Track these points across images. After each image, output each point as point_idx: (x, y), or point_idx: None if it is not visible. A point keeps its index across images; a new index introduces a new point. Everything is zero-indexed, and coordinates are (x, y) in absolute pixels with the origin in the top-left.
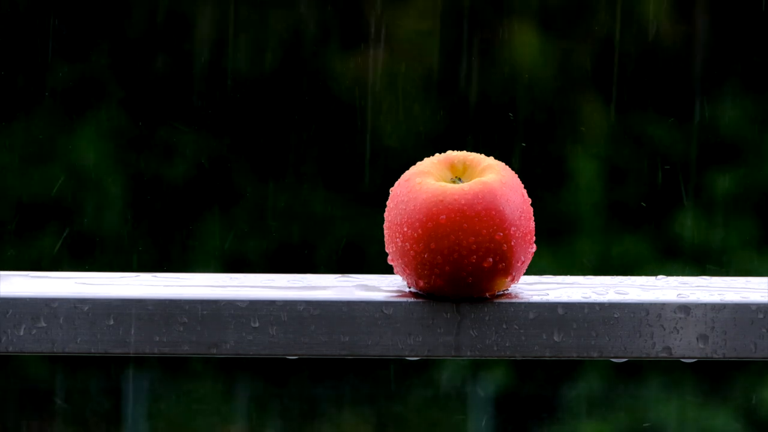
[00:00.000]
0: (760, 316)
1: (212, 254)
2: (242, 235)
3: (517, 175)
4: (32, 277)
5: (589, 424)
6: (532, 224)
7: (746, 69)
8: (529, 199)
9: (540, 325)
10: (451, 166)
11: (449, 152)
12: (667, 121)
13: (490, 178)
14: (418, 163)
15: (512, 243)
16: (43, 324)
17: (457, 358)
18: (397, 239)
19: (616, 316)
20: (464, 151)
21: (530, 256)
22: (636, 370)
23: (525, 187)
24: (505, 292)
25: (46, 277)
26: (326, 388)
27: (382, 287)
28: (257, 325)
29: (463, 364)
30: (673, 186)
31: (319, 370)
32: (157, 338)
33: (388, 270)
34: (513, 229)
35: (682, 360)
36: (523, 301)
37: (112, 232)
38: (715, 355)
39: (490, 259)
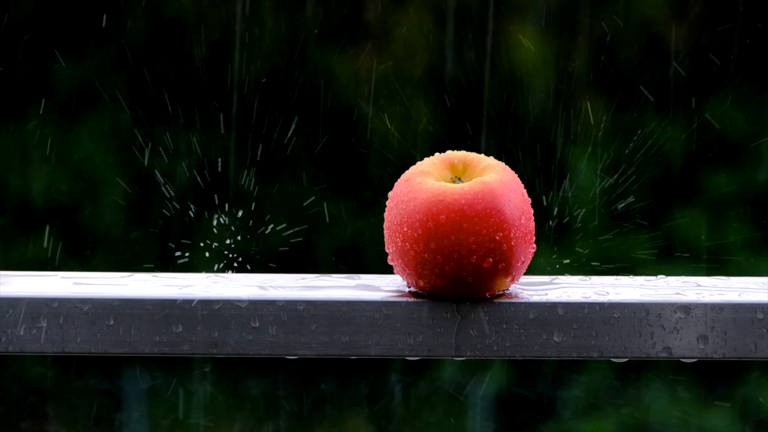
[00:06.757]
0: (760, 316)
1: (212, 254)
2: (242, 235)
3: (517, 175)
4: (32, 277)
5: (589, 424)
6: (532, 224)
7: (747, 68)
8: (529, 199)
9: (540, 325)
10: (451, 165)
11: (449, 152)
12: (668, 120)
13: (490, 178)
14: (418, 163)
15: (512, 243)
16: (43, 324)
17: (457, 358)
18: (397, 239)
19: (616, 316)
20: (464, 151)
21: (530, 256)
22: (636, 370)
23: (525, 187)
24: (505, 292)
25: (46, 276)
26: (326, 388)
27: (382, 287)
28: (257, 325)
29: (463, 363)
30: (673, 185)
31: (319, 369)
32: (157, 338)
33: (388, 270)
34: (513, 229)
35: (682, 360)
36: (523, 301)
37: (113, 232)
38: (715, 355)
39: (490, 259)
